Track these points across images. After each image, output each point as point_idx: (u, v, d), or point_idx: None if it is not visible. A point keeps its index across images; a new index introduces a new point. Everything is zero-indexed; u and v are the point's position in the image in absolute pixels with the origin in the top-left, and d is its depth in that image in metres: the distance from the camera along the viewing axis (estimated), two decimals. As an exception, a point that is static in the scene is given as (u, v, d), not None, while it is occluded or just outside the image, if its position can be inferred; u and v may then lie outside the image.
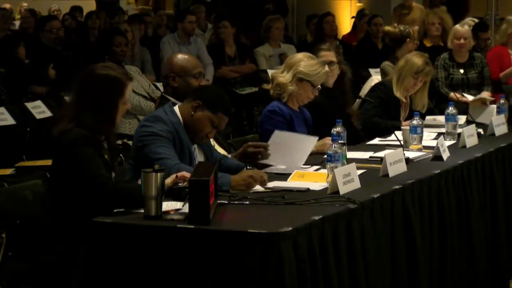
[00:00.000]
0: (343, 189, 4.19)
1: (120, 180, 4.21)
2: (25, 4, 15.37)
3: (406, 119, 6.41)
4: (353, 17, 13.21)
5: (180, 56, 5.08)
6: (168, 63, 5.09)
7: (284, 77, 5.55)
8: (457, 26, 8.70)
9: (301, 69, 5.51)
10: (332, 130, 4.87)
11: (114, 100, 4.10)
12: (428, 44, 9.62)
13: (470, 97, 7.70)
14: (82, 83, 4.16)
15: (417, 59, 6.48)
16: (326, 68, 5.83)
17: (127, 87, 4.15)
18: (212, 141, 4.95)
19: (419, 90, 6.54)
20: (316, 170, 4.83)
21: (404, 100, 6.52)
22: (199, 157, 4.63)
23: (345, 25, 13.95)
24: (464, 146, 5.71)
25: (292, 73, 5.52)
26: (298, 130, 5.45)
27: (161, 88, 8.40)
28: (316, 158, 5.05)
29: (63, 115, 4.09)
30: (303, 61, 5.56)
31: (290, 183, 4.46)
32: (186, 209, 3.71)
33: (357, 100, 6.78)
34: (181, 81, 4.94)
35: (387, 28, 9.61)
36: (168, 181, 3.91)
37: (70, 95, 4.21)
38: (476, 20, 10.11)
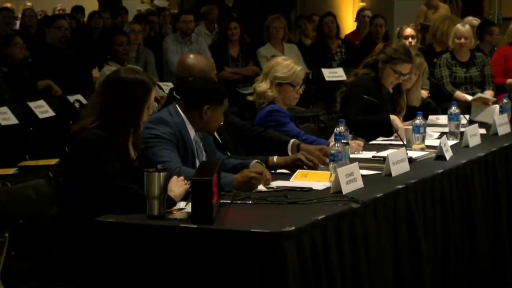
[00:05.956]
0: (346, 189, 4.18)
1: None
2: (29, 3, 15.36)
3: (407, 118, 6.33)
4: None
5: (197, 58, 4.98)
6: (185, 65, 4.96)
7: (262, 86, 5.56)
8: (458, 26, 8.68)
9: (277, 74, 5.52)
10: (335, 130, 4.86)
11: (141, 104, 4.07)
12: (438, 49, 9.54)
13: (469, 97, 7.67)
14: (108, 86, 4.12)
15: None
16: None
17: (152, 91, 4.14)
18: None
19: (413, 84, 6.48)
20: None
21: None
22: (202, 158, 4.62)
23: (348, 24, 13.95)
24: (467, 146, 5.70)
25: (269, 80, 5.54)
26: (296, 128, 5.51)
27: (164, 88, 8.43)
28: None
29: (85, 116, 4.07)
30: (277, 65, 5.55)
31: (293, 183, 4.46)
32: (189, 208, 3.71)
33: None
34: None
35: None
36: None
37: (90, 97, 4.15)
38: (479, 20, 10.10)
